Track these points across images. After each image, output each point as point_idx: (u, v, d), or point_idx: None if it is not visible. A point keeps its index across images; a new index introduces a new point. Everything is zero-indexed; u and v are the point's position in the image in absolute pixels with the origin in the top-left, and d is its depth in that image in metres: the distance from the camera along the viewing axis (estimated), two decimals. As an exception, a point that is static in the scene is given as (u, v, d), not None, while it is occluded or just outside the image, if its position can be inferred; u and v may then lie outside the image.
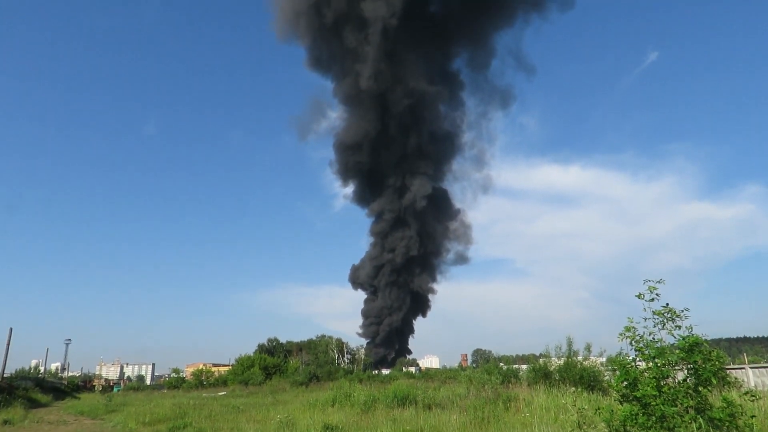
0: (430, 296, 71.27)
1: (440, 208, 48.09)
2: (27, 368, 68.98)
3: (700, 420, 6.62)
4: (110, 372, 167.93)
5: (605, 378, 17.46)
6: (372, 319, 64.52)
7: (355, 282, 62.31)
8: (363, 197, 58.22)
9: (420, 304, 71.60)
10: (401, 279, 62.17)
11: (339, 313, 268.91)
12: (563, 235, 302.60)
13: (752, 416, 6.95)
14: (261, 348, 70.91)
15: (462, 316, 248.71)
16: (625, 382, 7.23)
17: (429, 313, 76.81)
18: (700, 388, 6.92)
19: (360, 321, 71.55)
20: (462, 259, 71.70)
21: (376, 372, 56.73)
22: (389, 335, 66.99)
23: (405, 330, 71.71)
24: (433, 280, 69.91)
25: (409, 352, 74.35)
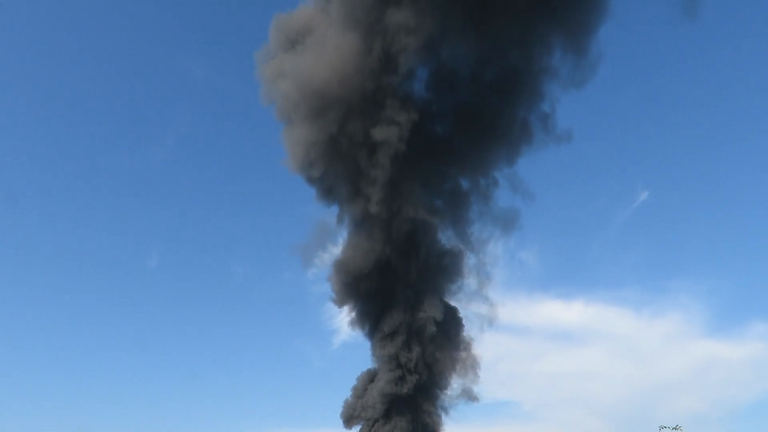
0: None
1: (448, 334, 46.33)
2: None
3: None
4: None
5: None
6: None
7: (353, 418, 56.11)
8: (366, 319, 55.55)
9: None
10: (413, 409, 57.00)
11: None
12: (571, 375, 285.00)
13: None
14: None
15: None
16: None
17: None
18: None
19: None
20: (469, 396, 65.34)
21: None
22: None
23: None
24: (438, 416, 64.24)
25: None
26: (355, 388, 30.93)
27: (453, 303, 28.17)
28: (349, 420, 31.29)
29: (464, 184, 26.35)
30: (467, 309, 29.00)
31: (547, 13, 21.69)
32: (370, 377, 29.97)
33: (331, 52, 20.57)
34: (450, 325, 28.11)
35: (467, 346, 28.50)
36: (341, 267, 27.52)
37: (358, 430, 31.23)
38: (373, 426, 27.25)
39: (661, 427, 7.02)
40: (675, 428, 7.09)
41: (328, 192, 25.62)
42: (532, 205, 27.56)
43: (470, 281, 28.33)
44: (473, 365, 28.22)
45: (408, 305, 26.20)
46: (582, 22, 21.85)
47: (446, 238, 27.41)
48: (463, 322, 27.38)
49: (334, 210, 27.74)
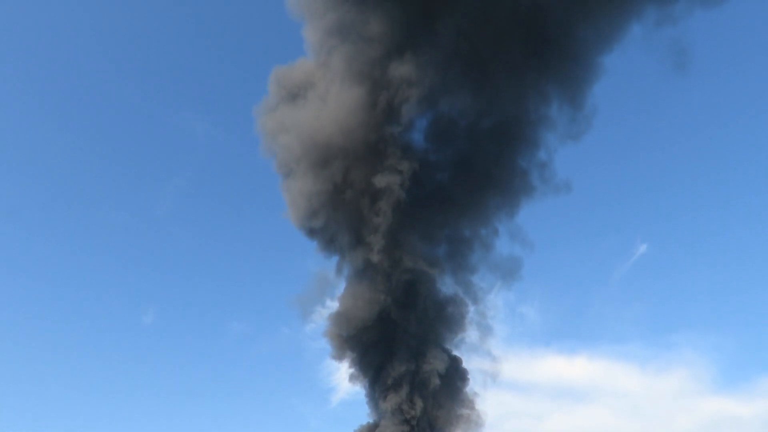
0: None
1: (452, 388, 44.96)
2: None
3: None
4: None
5: None
6: None
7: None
8: (367, 370, 53.12)
9: None
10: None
11: None
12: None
13: None
14: None
15: None
16: None
17: None
18: None
19: None
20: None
21: None
22: None
23: None
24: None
25: None
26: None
27: (460, 352, 27.52)
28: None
29: (465, 232, 26.37)
30: (469, 363, 28.27)
31: (543, 67, 22.43)
32: (369, 431, 28.88)
33: (335, 105, 20.96)
34: (454, 377, 27.38)
35: (471, 403, 27.68)
36: (341, 318, 26.99)
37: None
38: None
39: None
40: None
41: (329, 242, 25.45)
42: (531, 259, 27.48)
43: (471, 334, 27.84)
44: (477, 423, 27.29)
45: (411, 356, 25.63)
46: (576, 77, 22.58)
47: (447, 287, 27.18)
48: (468, 375, 26.60)
49: (333, 264, 27.40)
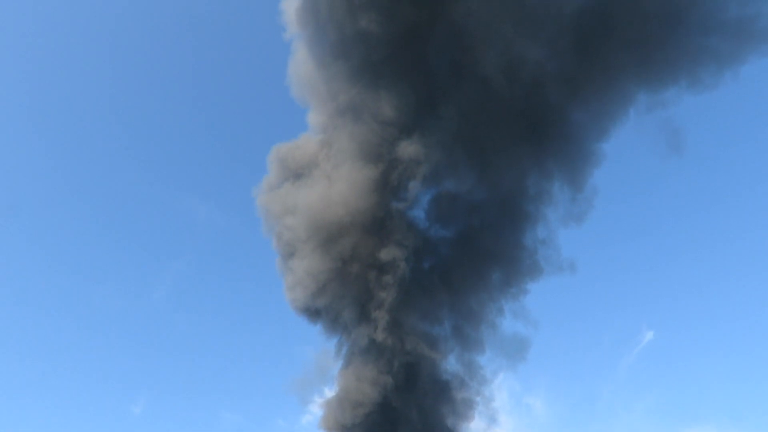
0: None
1: None
2: None
3: None
4: None
5: None
6: None
7: None
8: None
9: None
10: None
11: None
12: None
13: None
14: None
15: None
16: None
17: None
18: None
19: None
20: None
21: None
22: None
23: None
24: None
25: None
26: None
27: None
28: None
29: (469, 309, 25.96)
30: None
31: (542, 146, 23.21)
32: None
33: (345, 184, 21.19)
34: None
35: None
36: (343, 402, 25.65)
37: None
38: None
39: None
40: None
41: (333, 321, 24.72)
42: (536, 345, 26.50)
43: (477, 424, 26.63)
44: None
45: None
46: (574, 157, 23.27)
47: (452, 365, 26.31)
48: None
49: (331, 350, 26.46)
